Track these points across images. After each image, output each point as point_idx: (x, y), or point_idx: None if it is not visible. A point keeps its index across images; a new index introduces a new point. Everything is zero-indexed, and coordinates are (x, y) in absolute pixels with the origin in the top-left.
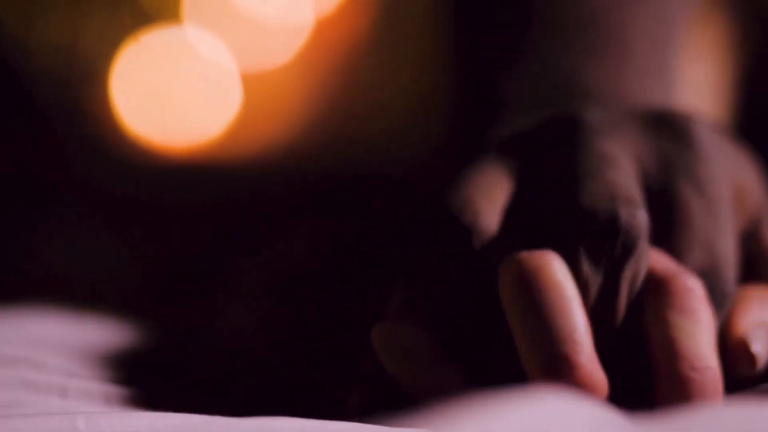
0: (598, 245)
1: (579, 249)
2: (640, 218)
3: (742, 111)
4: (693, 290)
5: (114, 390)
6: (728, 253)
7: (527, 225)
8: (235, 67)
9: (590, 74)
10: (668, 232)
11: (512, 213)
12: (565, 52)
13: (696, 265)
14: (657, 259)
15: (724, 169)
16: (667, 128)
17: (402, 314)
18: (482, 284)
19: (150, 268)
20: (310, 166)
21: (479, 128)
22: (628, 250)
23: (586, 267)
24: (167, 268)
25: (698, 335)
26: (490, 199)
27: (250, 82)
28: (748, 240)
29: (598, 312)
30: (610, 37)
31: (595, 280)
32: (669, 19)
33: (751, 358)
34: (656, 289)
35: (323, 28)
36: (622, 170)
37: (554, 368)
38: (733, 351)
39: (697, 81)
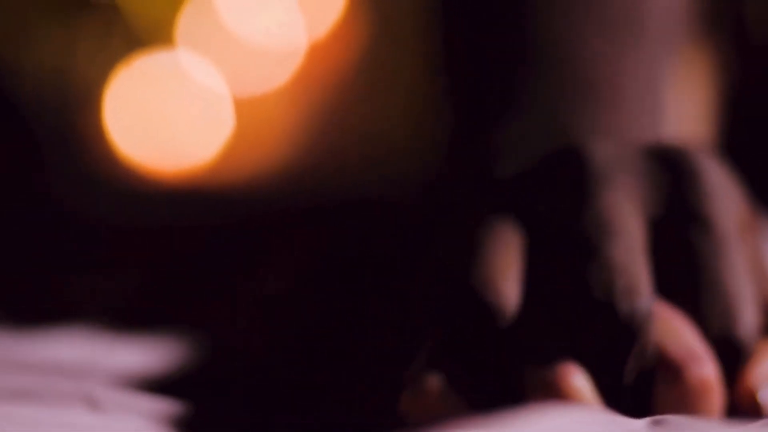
0: (603, 347)
1: (591, 359)
2: (639, 310)
3: (723, 137)
4: (707, 385)
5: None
6: (741, 294)
7: (543, 304)
8: (227, 91)
9: (586, 125)
10: (678, 280)
11: (529, 285)
12: (560, 103)
13: (710, 312)
14: (669, 335)
15: (731, 203)
16: (673, 164)
17: (430, 378)
18: (508, 367)
19: (142, 292)
20: (303, 191)
21: (476, 169)
22: (629, 342)
23: (600, 376)
24: (159, 291)
25: None
26: (508, 274)
27: (243, 107)
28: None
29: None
30: (605, 87)
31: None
32: (661, 63)
33: (757, 407)
34: (669, 378)
35: (316, 53)
36: (625, 239)
37: None
38: (741, 400)
39: (684, 110)
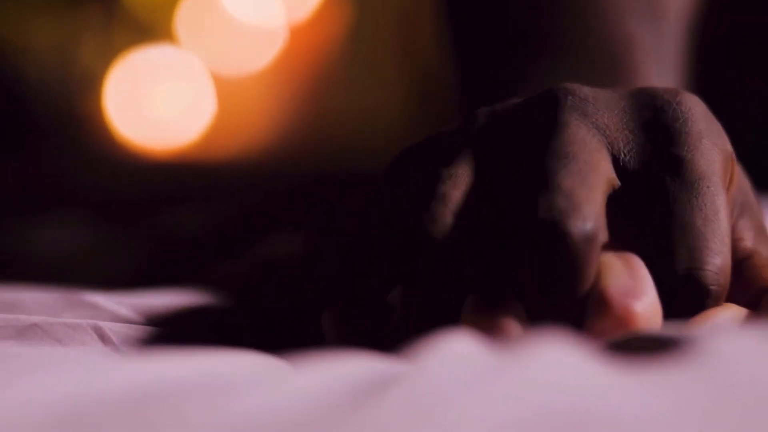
0: (538, 269)
1: (526, 283)
2: (578, 231)
3: None
4: (633, 318)
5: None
6: (712, 234)
7: (481, 232)
8: (212, 73)
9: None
10: (649, 219)
11: (470, 214)
12: (570, 79)
13: (677, 251)
14: (610, 269)
15: (711, 146)
16: (655, 105)
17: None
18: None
19: (139, 263)
20: (286, 167)
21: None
22: (564, 263)
23: (534, 303)
24: (156, 262)
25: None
26: (446, 201)
27: (227, 87)
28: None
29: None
30: (617, 64)
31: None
32: (676, 43)
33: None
34: (598, 308)
35: (298, 34)
36: (578, 165)
37: None
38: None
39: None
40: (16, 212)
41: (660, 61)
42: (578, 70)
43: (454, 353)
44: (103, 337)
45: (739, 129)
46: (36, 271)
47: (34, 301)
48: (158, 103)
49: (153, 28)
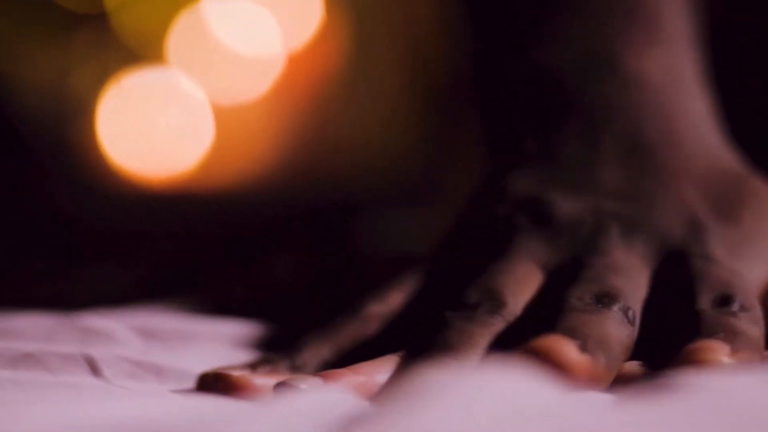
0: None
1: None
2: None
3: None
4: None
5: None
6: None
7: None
8: (209, 101)
9: (617, 50)
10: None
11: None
12: (593, 28)
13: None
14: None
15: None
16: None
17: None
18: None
19: (133, 292)
20: (282, 198)
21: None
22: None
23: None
24: (151, 290)
25: None
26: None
27: (225, 116)
28: None
29: None
30: (640, 13)
31: None
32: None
33: None
34: None
35: (295, 62)
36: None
37: None
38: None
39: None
40: (13, 241)
41: (683, 14)
42: (602, 25)
43: (422, 388)
44: (94, 369)
45: (740, 128)
46: (34, 299)
47: (31, 327)
48: (154, 130)
49: (145, 56)
